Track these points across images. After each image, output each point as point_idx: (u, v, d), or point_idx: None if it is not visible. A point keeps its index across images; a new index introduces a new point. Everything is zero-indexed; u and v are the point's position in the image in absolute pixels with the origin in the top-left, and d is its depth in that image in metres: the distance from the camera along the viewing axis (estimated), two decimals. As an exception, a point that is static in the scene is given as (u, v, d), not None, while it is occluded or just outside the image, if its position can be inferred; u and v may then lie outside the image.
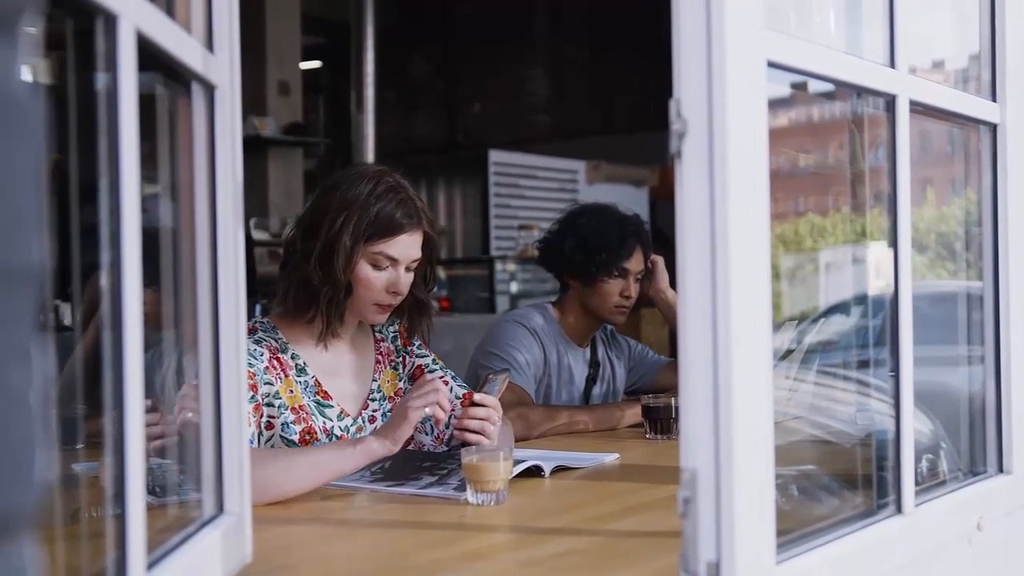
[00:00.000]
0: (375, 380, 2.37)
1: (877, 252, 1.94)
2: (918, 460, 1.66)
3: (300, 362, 2.26)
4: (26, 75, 0.58)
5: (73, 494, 1.43)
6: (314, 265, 2.19)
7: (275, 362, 2.20)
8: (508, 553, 1.64)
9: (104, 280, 1.03)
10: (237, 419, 1.41)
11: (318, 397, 2.25)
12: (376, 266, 2.22)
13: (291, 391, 2.21)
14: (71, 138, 1.06)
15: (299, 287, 2.23)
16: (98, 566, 1.09)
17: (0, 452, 0.54)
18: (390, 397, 2.38)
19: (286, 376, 2.22)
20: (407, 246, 2.24)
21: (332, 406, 2.26)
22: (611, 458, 2.38)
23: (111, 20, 1.01)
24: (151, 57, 1.14)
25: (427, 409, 2.01)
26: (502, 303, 7.48)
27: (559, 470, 2.21)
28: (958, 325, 2.05)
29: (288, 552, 1.63)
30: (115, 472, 1.03)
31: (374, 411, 2.35)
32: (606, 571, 1.50)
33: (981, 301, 1.91)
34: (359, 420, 2.31)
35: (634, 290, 3.06)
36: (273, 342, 2.23)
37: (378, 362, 2.40)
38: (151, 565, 1.11)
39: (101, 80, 1.04)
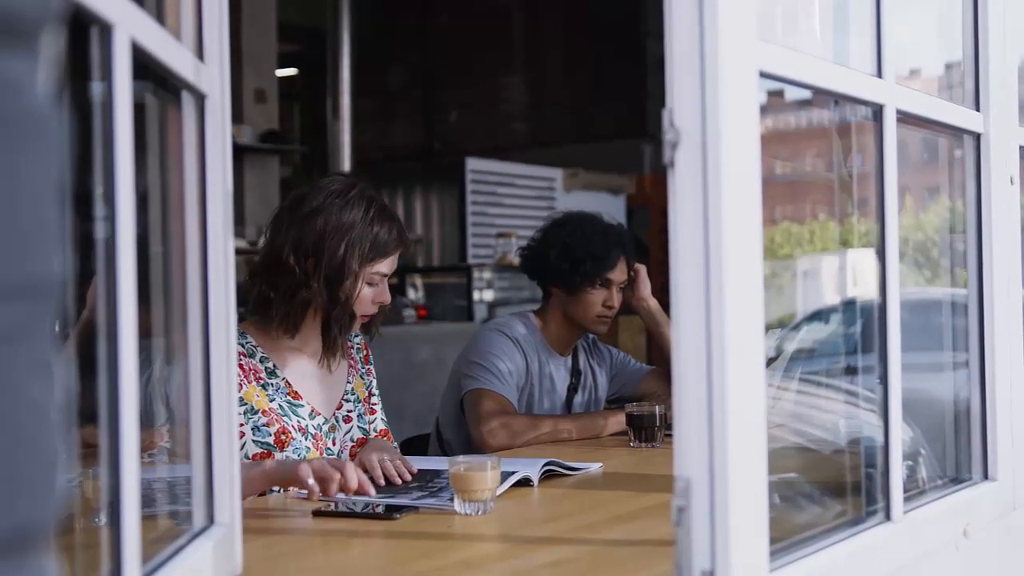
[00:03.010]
0: (349, 382, 2.46)
1: (855, 259, 1.95)
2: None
3: (270, 365, 2.31)
4: (46, 88, 0.58)
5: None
6: (320, 290, 2.26)
7: (239, 368, 2.23)
8: (499, 563, 1.64)
9: (99, 290, 1.03)
10: (227, 430, 1.40)
11: (289, 397, 2.31)
12: (370, 284, 2.32)
13: (258, 395, 2.26)
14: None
15: (300, 309, 2.29)
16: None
17: (25, 465, 0.54)
18: (363, 400, 2.48)
19: (250, 382, 2.27)
20: (395, 261, 2.37)
21: (303, 405, 2.32)
22: (595, 467, 2.38)
23: (106, 29, 1.01)
24: (142, 66, 1.13)
25: (311, 481, 1.93)
26: (480, 311, 7.47)
27: (548, 476, 2.21)
28: (937, 332, 2.06)
29: (278, 563, 1.63)
30: (111, 483, 1.02)
31: (348, 411, 2.43)
32: (598, 580, 1.50)
33: (960, 308, 1.93)
34: (332, 420, 2.38)
35: (617, 300, 3.06)
36: (239, 347, 2.25)
37: (351, 366, 2.48)
38: (144, 577, 1.11)
39: (95, 88, 1.04)
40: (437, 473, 2.21)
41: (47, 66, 0.58)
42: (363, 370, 2.52)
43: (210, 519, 1.39)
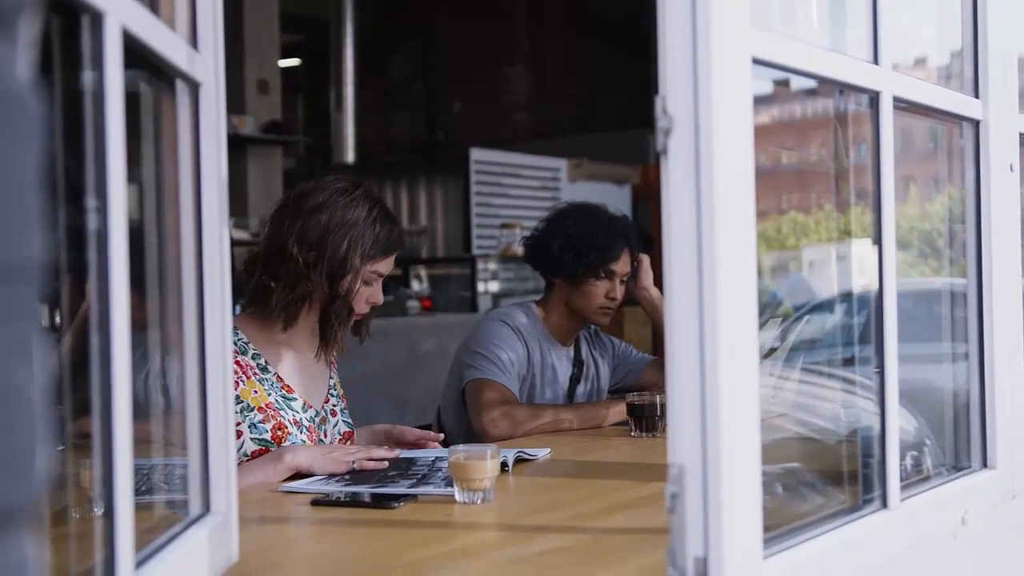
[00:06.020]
0: (332, 378, 2.51)
1: (860, 250, 1.95)
2: (903, 457, 1.67)
3: (261, 361, 2.34)
4: (25, 72, 0.58)
5: (55, 495, 1.42)
6: (321, 283, 2.30)
7: (235, 365, 2.25)
8: (495, 551, 1.64)
9: (91, 281, 1.03)
10: (223, 419, 1.41)
11: (283, 391, 2.34)
12: (366, 282, 2.36)
13: (255, 392, 2.30)
14: (54, 136, 1.05)
15: (300, 301, 2.32)
16: (85, 566, 1.09)
17: (3, 448, 0.54)
18: (342, 396, 2.53)
19: (248, 378, 2.29)
20: (392, 263, 2.42)
21: (296, 399, 2.36)
22: (543, 452, 2.41)
23: (97, 18, 1.01)
24: (135, 55, 1.13)
25: (355, 465, 2.16)
26: (484, 303, 7.47)
27: (519, 462, 2.27)
28: (941, 322, 2.06)
29: (274, 551, 1.63)
30: (103, 472, 1.02)
31: (333, 406, 2.49)
32: (594, 567, 1.51)
33: (964, 298, 1.92)
34: (322, 412, 2.43)
35: (619, 292, 3.06)
36: (231, 337, 2.27)
37: (332, 364, 2.53)
38: (139, 564, 1.11)
39: (86, 77, 1.04)
40: (412, 461, 2.25)
41: (26, 51, 0.58)
42: (337, 368, 2.58)
43: (206, 507, 1.39)
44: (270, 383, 2.32)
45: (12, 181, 0.55)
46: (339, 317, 2.34)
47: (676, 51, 1.19)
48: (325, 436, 2.41)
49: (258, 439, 2.25)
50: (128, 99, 1.08)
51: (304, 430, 2.33)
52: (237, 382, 2.24)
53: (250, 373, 2.30)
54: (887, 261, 1.56)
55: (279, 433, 2.27)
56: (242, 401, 2.25)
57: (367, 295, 2.37)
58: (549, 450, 2.44)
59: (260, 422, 2.26)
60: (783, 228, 2.20)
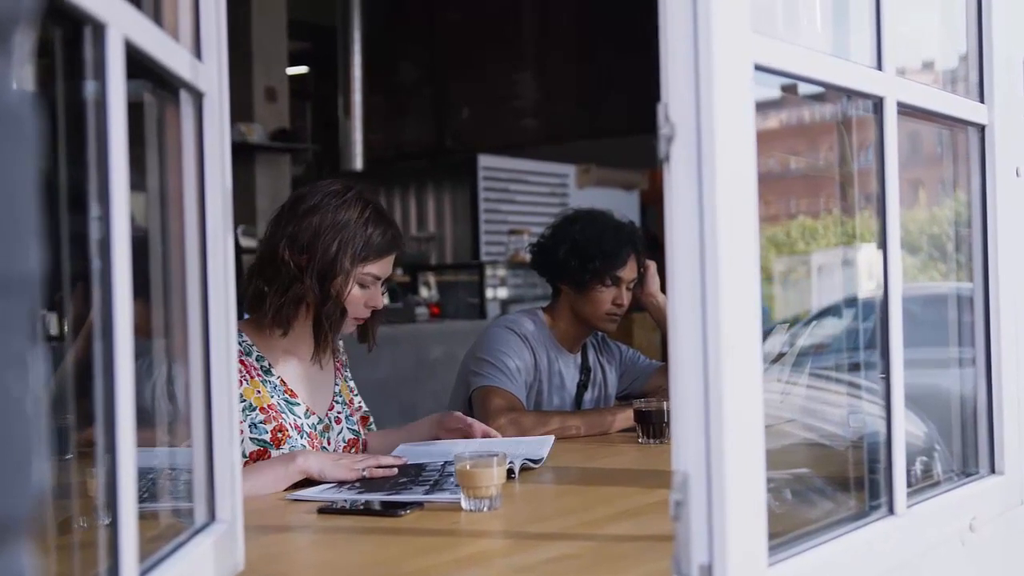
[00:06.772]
0: (336, 385, 2.50)
1: (868, 254, 1.95)
2: (912, 462, 1.66)
3: (266, 364, 2.35)
4: (21, 84, 0.58)
5: (62, 504, 1.42)
6: (312, 286, 2.29)
7: (239, 365, 2.26)
8: (501, 559, 1.64)
9: (94, 290, 1.03)
10: (228, 427, 1.41)
11: (286, 396, 2.35)
12: (362, 285, 2.35)
13: (258, 392, 2.30)
14: (58, 146, 1.05)
15: (293, 304, 2.32)
16: (90, 575, 1.09)
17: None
18: (348, 403, 2.52)
19: (252, 378, 2.30)
20: (390, 265, 2.40)
21: (299, 404, 2.37)
22: (548, 440, 2.46)
23: (99, 29, 1.01)
24: (139, 65, 1.14)
25: (365, 472, 2.15)
26: (492, 309, 7.47)
27: (524, 469, 2.26)
28: (950, 327, 2.05)
29: (280, 560, 1.63)
30: (107, 481, 1.02)
31: (338, 413, 2.48)
32: (600, 575, 1.50)
33: (971, 302, 1.92)
34: (326, 419, 2.43)
35: (626, 298, 3.06)
36: (236, 346, 2.28)
37: (337, 370, 2.52)
38: (143, 573, 1.11)
39: (89, 88, 1.04)
40: (422, 467, 2.24)
41: (22, 64, 0.58)
42: (346, 374, 2.57)
43: (211, 516, 1.39)
44: (273, 386, 2.33)
45: (8, 194, 0.55)
46: (331, 319, 2.33)
47: (678, 58, 1.19)
48: (328, 443, 2.40)
49: (257, 439, 2.25)
50: (132, 109, 1.09)
51: (304, 435, 2.33)
52: (240, 380, 2.24)
53: (254, 373, 2.30)
54: (892, 266, 1.56)
55: (279, 435, 2.27)
56: (244, 400, 2.25)
57: (365, 298, 2.36)
58: (552, 437, 2.48)
59: (261, 422, 2.27)
60: (792, 232, 2.20)
